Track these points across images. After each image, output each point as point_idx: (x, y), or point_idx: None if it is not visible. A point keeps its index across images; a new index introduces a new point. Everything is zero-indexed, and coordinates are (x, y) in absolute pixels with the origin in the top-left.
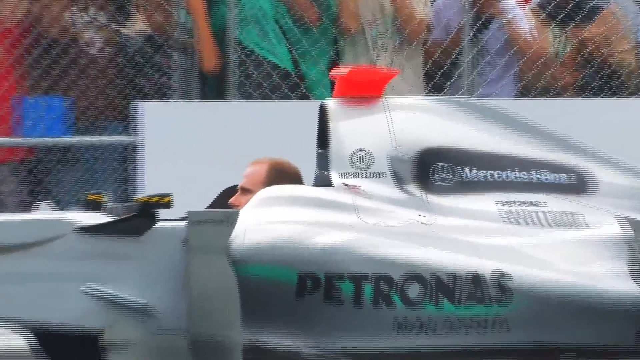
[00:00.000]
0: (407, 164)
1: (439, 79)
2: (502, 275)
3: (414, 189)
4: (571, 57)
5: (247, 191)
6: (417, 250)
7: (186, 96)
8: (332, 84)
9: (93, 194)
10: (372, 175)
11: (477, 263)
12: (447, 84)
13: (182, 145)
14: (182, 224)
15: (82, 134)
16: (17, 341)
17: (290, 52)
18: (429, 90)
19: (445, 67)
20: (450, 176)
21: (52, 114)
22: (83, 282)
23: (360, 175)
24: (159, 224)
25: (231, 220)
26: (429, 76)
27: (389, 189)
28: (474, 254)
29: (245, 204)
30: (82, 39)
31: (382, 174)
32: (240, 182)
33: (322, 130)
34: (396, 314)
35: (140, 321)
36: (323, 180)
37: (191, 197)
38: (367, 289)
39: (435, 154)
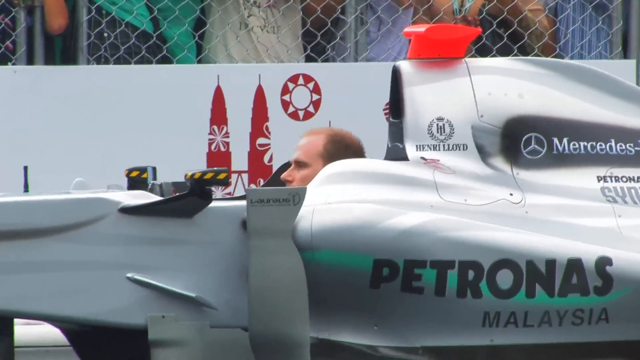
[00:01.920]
0: (493, 135)
1: (320, 39)
2: (604, 260)
3: (501, 163)
4: (474, 14)
5: (302, 165)
6: (507, 234)
7: (30, 60)
8: (199, 47)
9: (134, 170)
10: (453, 148)
11: (576, 247)
12: (329, 45)
13: (25, 116)
14: (241, 203)
15: None
16: (50, 337)
17: (150, 10)
18: (309, 53)
19: (327, 27)
20: (543, 149)
21: None
22: (127, 270)
23: (439, 147)
24: (213, 204)
25: (297, 200)
26: (308, 36)
27: (472, 164)
28: (572, 237)
29: (300, 179)
30: None
31: (465, 146)
32: (294, 155)
33: (395, 97)
34: (484, 305)
35: (192, 315)
36: (397, 154)
37: (37, 178)
38: (452, 277)
39: (524, 123)
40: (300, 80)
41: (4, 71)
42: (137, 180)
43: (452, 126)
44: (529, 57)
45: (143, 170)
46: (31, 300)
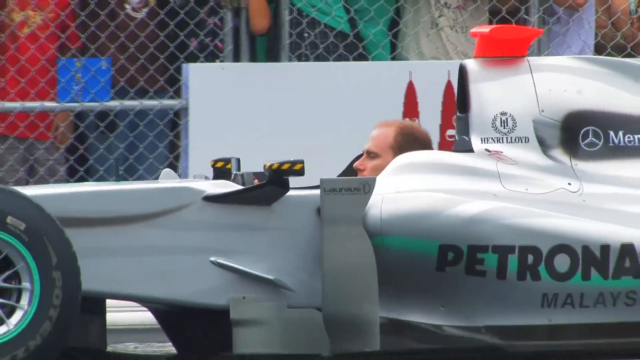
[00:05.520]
0: (553, 128)
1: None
2: None
3: (560, 154)
4: None
5: (374, 155)
6: (565, 221)
7: (236, 58)
8: (392, 45)
9: (219, 160)
10: (515, 140)
11: (629, 233)
12: None
13: (231, 109)
14: (315, 192)
15: (126, 99)
16: (139, 316)
17: (347, 11)
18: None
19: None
20: (600, 141)
21: (98, 78)
22: (210, 255)
23: (503, 140)
24: (290, 193)
25: (367, 189)
26: None
27: (533, 155)
28: (626, 224)
29: (371, 169)
30: (129, 3)
31: (526, 139)
32: (366, 145)
33: (461, 93)
34: (543, 287)
35: (271, 297)
36: (463, 146)
37: (242, 164)
38: (512, 261)
39: (582, 117)
40: None
41: (213, 68)
42: (222, 170)
43: (515, 120)
44: (587, 56)
45: (227, 161)
46: (123, 283)
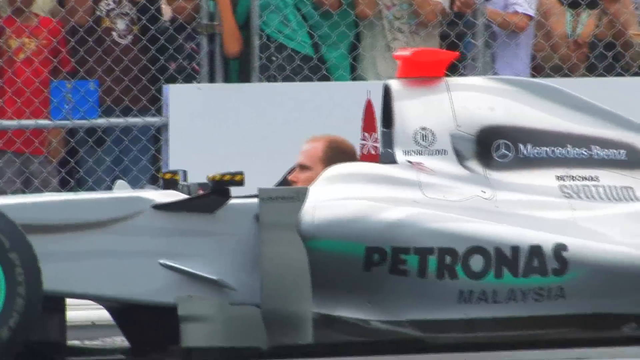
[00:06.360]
0: (468, 142)
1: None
2: (560, 247)
3: (475, 165)
4: (584, 38)
5: (305, 168)
6: (479, 225)
7: (211, 79)
8: (352, 67)
9: (168, 172)
10: (434, 153)
11: (537, 236)
12: (462, 64)
13: (207, 125)
14: (254, 200)
15: (112, 116)
16: (95, 314)
17: (311, 37)
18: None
19: (460, 49)
20: (510, 153)
21: (87, 99)
22: (159, 257)
23: (423, 152)
24: (231, 201)
25: (301, 197)
26: None
27: (451, 166)
28: (534, 227)
29: (304, 180)
30: (116, 31)
31: (445, 151)
32: (298, 160)
33: (386, 110)
34: (459, 285)
35: (214, 295)
36: (387, 158)
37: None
38: (432, 261)
39: (495, 131)
40: None
41: (190, 88)
42: (170, 181)
43: (434, 134)
44: (499, 76)
45: (175, 172)
46: (81, 283)
